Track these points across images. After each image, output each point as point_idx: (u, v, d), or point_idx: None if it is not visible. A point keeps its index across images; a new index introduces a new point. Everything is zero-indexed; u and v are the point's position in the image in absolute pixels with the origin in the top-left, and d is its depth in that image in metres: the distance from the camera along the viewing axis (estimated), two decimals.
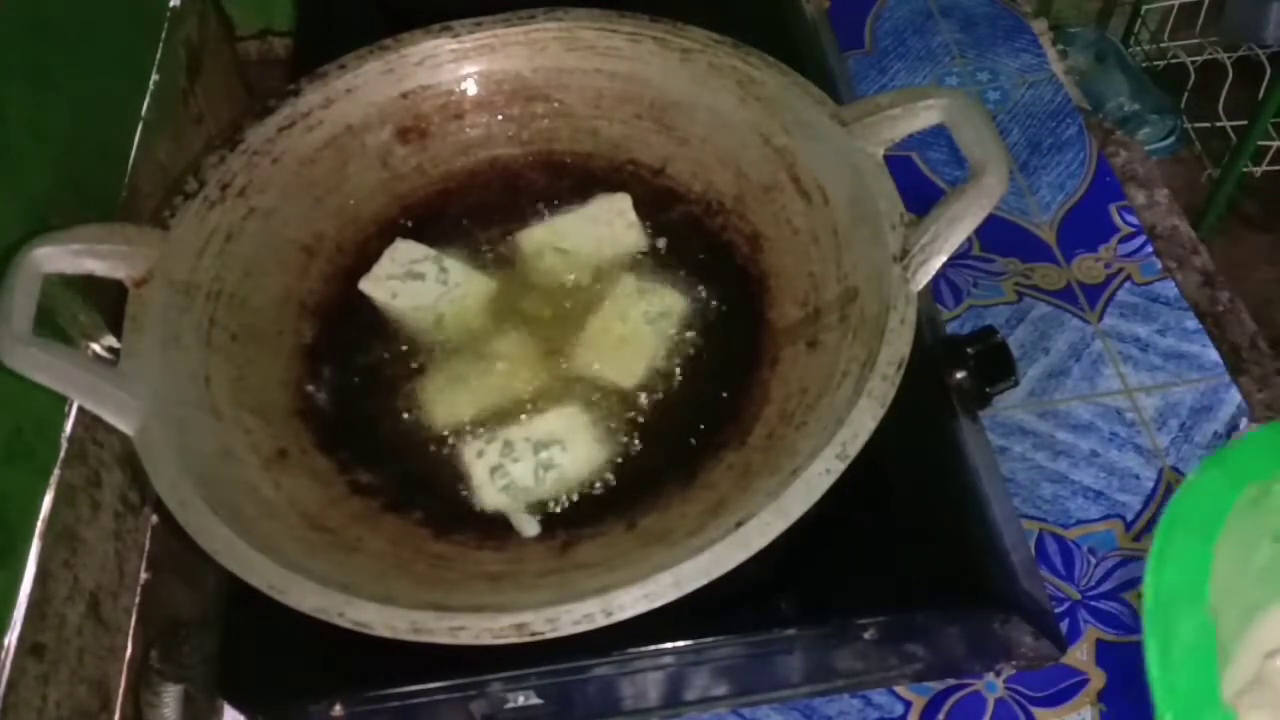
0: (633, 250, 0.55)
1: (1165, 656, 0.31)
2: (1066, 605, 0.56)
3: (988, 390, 0.52)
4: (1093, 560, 0.57)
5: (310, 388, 0.51)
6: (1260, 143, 1.38)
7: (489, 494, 0.48)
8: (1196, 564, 0.32)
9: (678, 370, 0.51)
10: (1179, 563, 0.32)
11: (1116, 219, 0.72)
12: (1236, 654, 0.36)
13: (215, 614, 0.50)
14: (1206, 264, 0.70)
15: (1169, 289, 0.68)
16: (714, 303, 0.53)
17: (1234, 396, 0.63)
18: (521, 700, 0.46)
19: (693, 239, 0.56)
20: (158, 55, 0.66)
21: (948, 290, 0.69)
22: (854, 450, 0.41)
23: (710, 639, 0.45)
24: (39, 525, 0.47)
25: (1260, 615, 0.36)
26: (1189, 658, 0.31)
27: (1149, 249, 0.70)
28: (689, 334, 0.52)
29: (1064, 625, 0.54)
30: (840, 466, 0.41)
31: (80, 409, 0.50)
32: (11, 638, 0.44)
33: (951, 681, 0.54)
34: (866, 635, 0.45)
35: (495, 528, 0.47)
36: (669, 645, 0.44)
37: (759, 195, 0.55)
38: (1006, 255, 0.70)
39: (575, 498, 0.48)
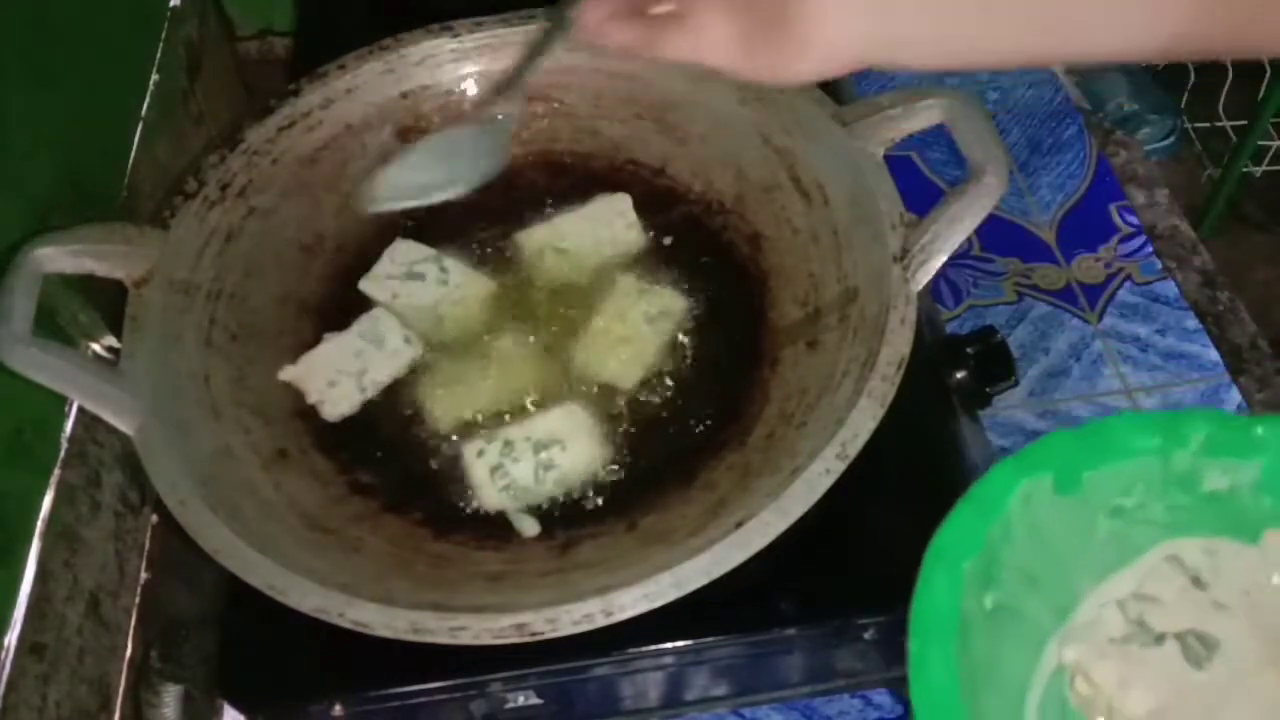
0: (633, 250, 0.55)
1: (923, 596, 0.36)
2: None
3: (988, 390, 0.52)
4: None
5: None
6: (1260, 143, 1.38)
7: (489, 494, 0.48)
8: (969, 533, 0.37)
9: (678, 370, 0.51)
10: (954, 530, 0.37)
11: (1116, 219, 0.72)
12: (1080, 610, 0.40)
13: (215, 614, 0.50)
14: (1206, 264, 0.70)
15: (1169, 289, 0.68)
16: (714, 303, 0.53)
17: (1234, 396, 0.63)
18: (521, 700, 0.46)
19: (693, 239, 0.56)
20: (158, 55, 0.66)
21: (948, 290, 0.69)
22: (854, 450, 0.41)
23: (710, 639, 0.45)
24: (39, 525, 0.47)
25: (1110, 578, 0.41)
26: (939, 597, 0.36)
27: (1149, 249, 0.70)
28: (689, 334, 0.52)
29: None
30: (840, 466, 0.41)
31: (80, 409, 0.50)
32: (11, 638, 0.44)
33: None
34: (866, 635, 0.45)
35: (495, 528, 0.47)
36: (669, 645, 0.44)
37: (759, 195, 0.55)
38: (1006, 255, 0.70)
39: (575, 498, 0.48)
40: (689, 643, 0.44)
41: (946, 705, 0.34)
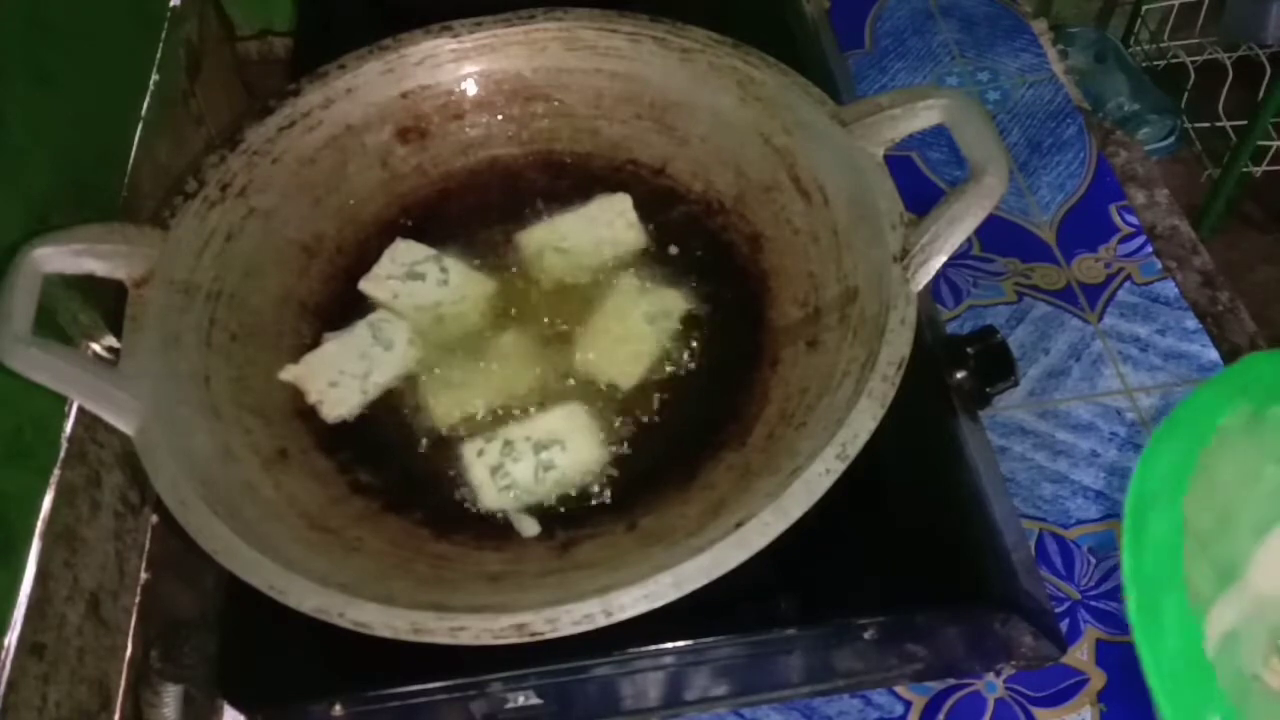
0: (633, 250, 0.55)
1: (1137, 545, 0.34)
2: (1066, 605, 0.56)
3: (988, 390, 0.52)
4: (1093, 560, 0.57)
5: None
6: (1260, 143, 1.38)
7: (490, 494, 0.48)
8: (1179, 467, 0.34)
9: (678, 370, 0.51)
10: (1164, 465, 0.35)
11: (1116, 219, 0.72)
12: (1247, 569, 0.37)
13: (215, 614, 0.50)
14: (1206, 264, 0.70)
15: (1169, 289, 0.68)
16: (714, 303, 0.53)
17: None
18: (521, 700, 0.46)
19: (693, 239, 0.56)
20: (158, 55, 0.66)
21: (948, 290, 0.69)
22: (854, 450, 0.41)
23: (710, 639, 0.45)
24: (39, 525, 0.47)
25: (1272, 532, 0.38)
26: (1159, 546, 0.33)
27: (1149, 249, 0.70)
28: (689, 334, 0.52)
29: (1064, 625, 0.54)
30: (840, 467, 0.41)
31: (80, 409, 0.50)
32: (11, 638, 0.44)
33: (951, 681, 0.54)
34: (866, 635, 0.45)
35: (495, 528, 0.47)
36: (669, 645, 0.44)
37: (759, 195, 0.55)
38: (1006, 255, 0.70)
39: (575, 497, 0.48)
40: (689, 643, 0.44)
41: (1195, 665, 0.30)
